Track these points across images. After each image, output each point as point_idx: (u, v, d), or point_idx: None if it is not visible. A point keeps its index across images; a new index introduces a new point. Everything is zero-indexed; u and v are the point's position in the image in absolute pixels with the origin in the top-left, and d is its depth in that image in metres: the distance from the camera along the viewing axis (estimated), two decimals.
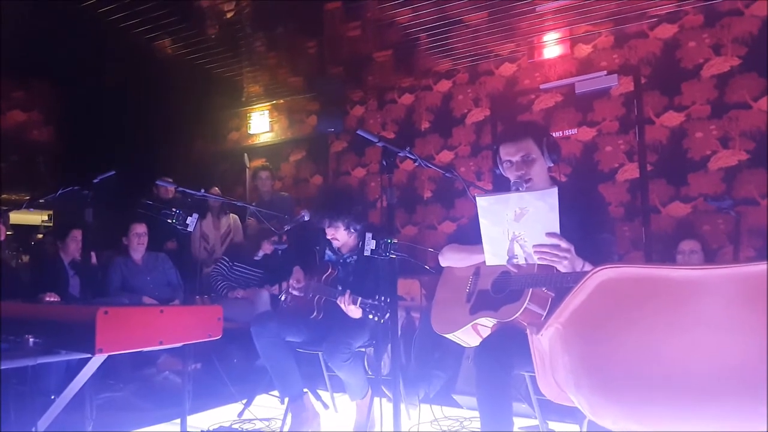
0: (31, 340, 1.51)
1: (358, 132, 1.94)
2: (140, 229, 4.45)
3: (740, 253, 3.91)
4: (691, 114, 4.51)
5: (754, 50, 4.29)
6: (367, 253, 2.21)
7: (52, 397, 1.69)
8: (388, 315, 2.54)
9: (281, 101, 6.77)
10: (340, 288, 2.93)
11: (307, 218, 3.24)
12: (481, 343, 2.10)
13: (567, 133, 5.03)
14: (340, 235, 3.03)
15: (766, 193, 4.17)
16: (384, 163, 1.91)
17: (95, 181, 2.50)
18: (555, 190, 1.76)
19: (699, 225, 4.40)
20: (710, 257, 4.00)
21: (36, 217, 5.61)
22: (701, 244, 3.85)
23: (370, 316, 2.57)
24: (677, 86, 4.57)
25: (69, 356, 1.45)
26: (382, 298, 2.54)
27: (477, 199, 1.89)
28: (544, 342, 1.38)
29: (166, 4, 4.39)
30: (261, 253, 4.72)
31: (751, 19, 4.32)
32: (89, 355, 1.38)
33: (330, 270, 3.08)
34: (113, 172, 2.53)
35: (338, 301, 2.76)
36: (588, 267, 1.87)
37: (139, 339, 1.39)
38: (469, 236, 2.19)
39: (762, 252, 4.12)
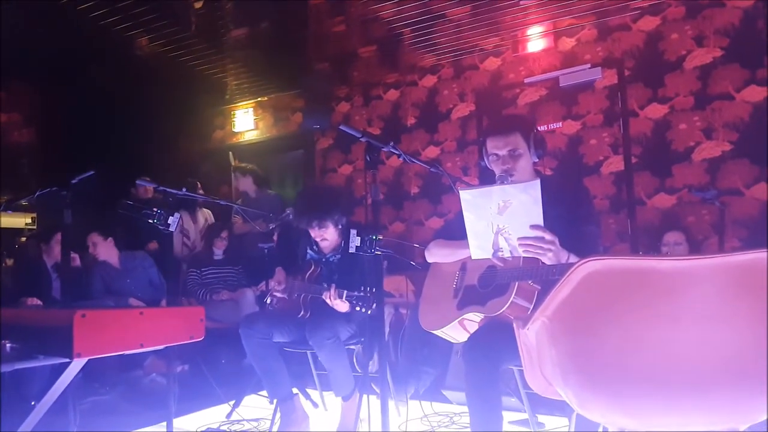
0: (8, 345, 1.47)
1: (341, 128, 1.92)
2: (94, 238, 4.32)
3: (725, 243, 3.94)
4: (674, 106, 4.53)
5: (736, 41, 4.31)
6: (352, 250, 2.20)
7: (33, 403, 1.65)
8: (374, 305, 2.53)
9: (265, 99, 6.71)
10: (325, 285, 2.91)
11: (292, 216, 3.21)
12: (469, 338, 2.10)
13: (552, 126, 5.03)
14: (329, 234, 3.01)
15: (749, 184, 4.21)
16: (368, 158, 1.89)
17: (74, 181, 2.45)
18: (537, 182, 1.76)
19: (684, 216, 4.43)
20: (695, 248, 4.02)
21: (19, 220, 5.54)
22: (686, 235, 3.87)
23: (357, 308, 2.56)
24: (661, 78, 4.58)
25: (47, 361, 1.41)
26: (368, 288, 2.52)
27: (460, 192, 1.88)
28: (530, 336, 1.36)
29: (148, 1, 4.33)
30: (219, 252, 4.69)
31: (733, 10, 4.34)
32: (67, 360, 1.35)
33: (313, 268, 3.06)
34: (92, 172, 2.48)
35: (324, 296, 2.75)
36: (573, 259, 1.86)
37: (119, 342, 1.36)
38: (456, 231, 2.18)
39: (746, 242, 4.15)
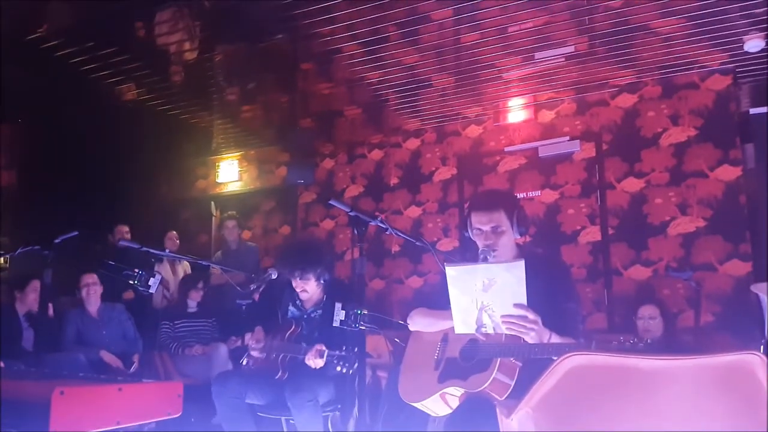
0: None
1: (331, 202, 1.95)
2: (90, 279, 4.26)
3: (701, 317, 3.99)
4: (650, 180, 4.68)
5: (709, 122, 4.52)
6: (336, 323, 2.19)
7: None
8: (356, 365, 2.49)
9: (251, 151, 6.77)
10: (304, 345, 2.87)
11: (275, 276, 3.19)
12: (451, 414, 2.08)
13: (531, 194, 5.14)
14: (310, 287, 3.02)
15: (723, 260, 4.32)
16: (355, 232, 1.91)
17: (56, 241, 2.41)
18: (522, 263, 1.80)
19: (659, 289, 4.50)
20: (670, 322, 4.06)
21: None
22: (660, 309, 3.89)
23: (338, 368, 2.51)
24: (637, 153, 4.75)
25: None
26: (351, 348, 2.48)
27: (446, 268, 1.91)
28: (514, 425, 1.37)
29: (141, 54, 4.41)
30: (193, 304, 4.60)
31: (707, 92, 4.56)
32: None
33: (293, 327, 3.03)
34: (76, 233, 2.44)
35: (306, 360, 2.70)
36: (555, 338, 1.90)
37: (96, 419, 1.32)
38: (437, 299, 2.20)
39: (720, 317, 4.23)
